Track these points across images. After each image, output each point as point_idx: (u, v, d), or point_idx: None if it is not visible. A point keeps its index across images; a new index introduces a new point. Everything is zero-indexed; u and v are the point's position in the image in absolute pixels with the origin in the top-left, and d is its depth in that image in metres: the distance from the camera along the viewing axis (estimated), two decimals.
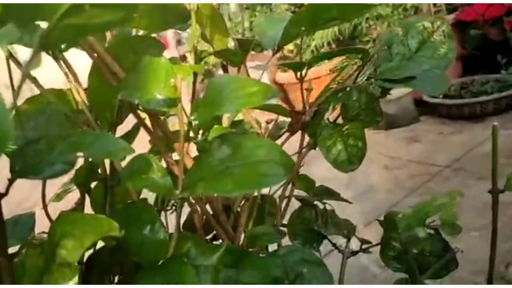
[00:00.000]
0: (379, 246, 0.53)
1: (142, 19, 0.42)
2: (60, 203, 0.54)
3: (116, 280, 0.45)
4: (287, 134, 0.58)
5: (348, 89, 0.51)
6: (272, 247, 0.49)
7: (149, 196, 0.45)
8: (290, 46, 2.75)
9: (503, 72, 2.37)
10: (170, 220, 0.52)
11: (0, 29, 0.27)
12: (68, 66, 0.44)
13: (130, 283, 0.34)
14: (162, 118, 0.47)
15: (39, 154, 0.29)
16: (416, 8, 2.54)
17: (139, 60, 0.36)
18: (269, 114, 0.56)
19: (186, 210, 0.43)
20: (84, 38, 0.38)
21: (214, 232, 0.55)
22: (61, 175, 0.28)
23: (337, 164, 0.48)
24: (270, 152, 0.33)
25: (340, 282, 0.52)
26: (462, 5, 2.56)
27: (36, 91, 0.44)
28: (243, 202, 0.52)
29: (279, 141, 0.55)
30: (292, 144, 0.55)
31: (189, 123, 0.36)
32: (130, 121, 0.47)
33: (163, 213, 0.56)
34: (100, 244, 0.38)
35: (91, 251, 0.42)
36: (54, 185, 0.52)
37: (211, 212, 0.46)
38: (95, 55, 0.40)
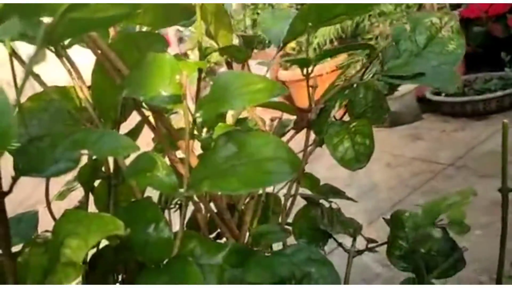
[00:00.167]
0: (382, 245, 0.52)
1: (146, 15, 0.42)
2: (64, 201, 0.54)
3: (120, 279, 0.45)
4: (292, 132, 0.57)
5: (355, 85, 0.51)
6: (276, 247, 0.48)
7: (153, 194, 0.45)
8: (292, 44, 2.74)
9: (506, 69, 2.35)
10: (174, 219, 0.52)
11: (3, 25, 0.26)
12: (71, 63, 0.44)
13: (134, 282, 0.33)
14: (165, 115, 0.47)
15: (42, 152, 0.28)
16: (420, 6, 2.53)
17: (143, 56, 0.36)
18: (272, 112, 0.55)
19: (189, 208, 0.43)
20: (87, 34, 0.37)
21: (218, 230, 0.54)
22: (65, 173, 0.28)
23: (344, 162, 0.48)
24: (276, 149, 0.32)
25: (346, 281, 0.52)
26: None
27: (38, 89, 0.44)
28: (247, 200, 0.51)
29: (284, 139, 0.54)
30: (297, 142, 0.54)
31: (194, 120, 0.36)
32: (133, 119, 0.47)
33: (166, 211, 0.56)
34: (104, 242, 0.38)
35: (94, 250, 0.42)
36: (57, 183, 0.52)
37: (215, 210, 0.45)
38: (99, 51, 0.39)
